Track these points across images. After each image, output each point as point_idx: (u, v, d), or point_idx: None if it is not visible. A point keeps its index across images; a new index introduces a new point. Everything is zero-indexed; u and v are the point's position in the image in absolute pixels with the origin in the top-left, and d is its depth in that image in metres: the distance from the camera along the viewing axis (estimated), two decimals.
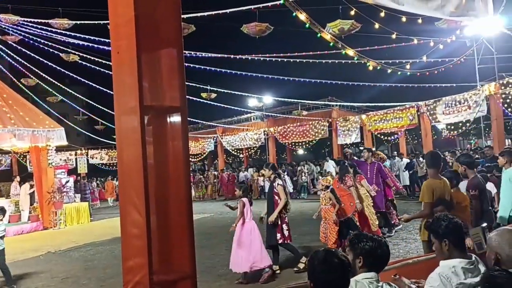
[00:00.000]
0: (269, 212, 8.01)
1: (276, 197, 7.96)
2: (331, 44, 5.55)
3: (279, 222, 7.88)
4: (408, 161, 19.67)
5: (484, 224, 4.34)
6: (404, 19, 6.39)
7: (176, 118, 2.68)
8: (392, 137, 27.17)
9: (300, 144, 29.48)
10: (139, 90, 2.42)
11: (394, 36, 8.18)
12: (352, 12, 7.01)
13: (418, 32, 9.71)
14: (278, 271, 7.87)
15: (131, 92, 2.45)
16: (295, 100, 24.79)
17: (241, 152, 33.23)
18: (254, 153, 36.22)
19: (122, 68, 2.53)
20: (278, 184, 8.01)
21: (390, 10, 5.18)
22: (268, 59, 15.49)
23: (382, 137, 26.97)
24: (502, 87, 17.85)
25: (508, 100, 17.74)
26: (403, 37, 8.70)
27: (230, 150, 32.31)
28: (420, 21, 6.38)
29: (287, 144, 29.55)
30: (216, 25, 23.03)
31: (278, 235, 7.85)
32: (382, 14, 5.40)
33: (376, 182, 10.34)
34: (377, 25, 7.05)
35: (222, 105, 23.10)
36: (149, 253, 2.37)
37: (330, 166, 21.98)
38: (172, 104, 2.67)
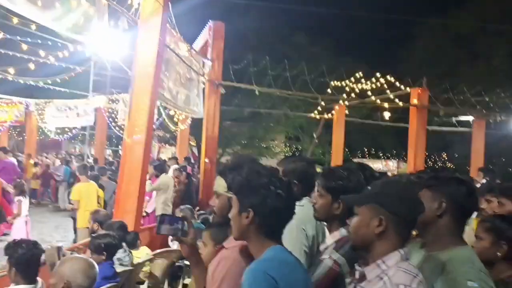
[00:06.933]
0: None
1: None
2: None
3: None
4: None
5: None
6: (15, 20, 5.75)
7: None
8: None
9: None
10: None
11: (1, 35, 7.27)
12: None
13: (38, 37, 8.92)
14: None
15: None
16: None
17: None
18: None
19: None
20: None
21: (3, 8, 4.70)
22: None
23: None
24: (110, 102, 19.24)
25: (113, 115, 19.24)
26: (14, 41, 7.90)
27: None
28: (34, 27, 6.06)
29: None
30: None
31: None
32: None
33: None
34: None
35: None
36: None
37: None
38: None
